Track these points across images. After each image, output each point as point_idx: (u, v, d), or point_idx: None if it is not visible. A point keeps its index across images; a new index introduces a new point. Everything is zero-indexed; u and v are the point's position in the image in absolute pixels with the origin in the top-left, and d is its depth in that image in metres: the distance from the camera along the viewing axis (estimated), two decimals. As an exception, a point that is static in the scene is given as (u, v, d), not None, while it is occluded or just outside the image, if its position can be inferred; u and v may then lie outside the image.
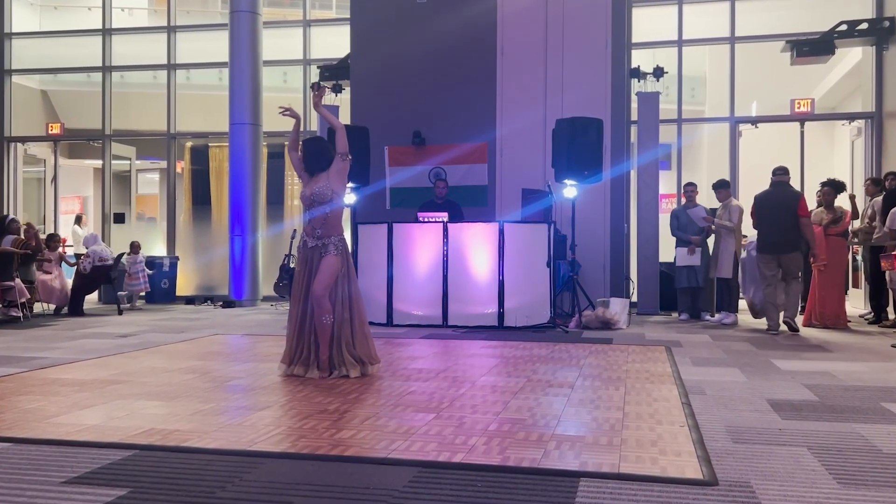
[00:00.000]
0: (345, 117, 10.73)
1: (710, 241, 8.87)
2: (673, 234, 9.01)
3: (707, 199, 9.97)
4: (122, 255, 10.33)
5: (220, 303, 11.04)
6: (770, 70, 12.60)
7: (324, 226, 4.79)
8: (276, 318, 9.17)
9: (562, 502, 2.45)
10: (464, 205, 9.11)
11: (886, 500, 2.50)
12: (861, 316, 9.11)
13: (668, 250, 10.58)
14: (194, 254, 12.49)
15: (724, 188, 8.74)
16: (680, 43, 11.06)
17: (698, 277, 8.80)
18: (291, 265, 11.38)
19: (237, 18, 11.13)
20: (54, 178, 13.61)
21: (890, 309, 8.29)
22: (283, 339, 6.91)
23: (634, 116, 10.37)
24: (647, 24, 11.50)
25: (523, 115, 9.59)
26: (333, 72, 11.27)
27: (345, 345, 4.77)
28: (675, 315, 9.41)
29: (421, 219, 8.14)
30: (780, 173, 7.77)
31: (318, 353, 4.77)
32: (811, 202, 8.64)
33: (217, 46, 12.23)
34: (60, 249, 10.25)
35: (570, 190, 8.39)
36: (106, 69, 13.15)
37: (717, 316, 8.74)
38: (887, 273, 7.53)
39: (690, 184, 9.18)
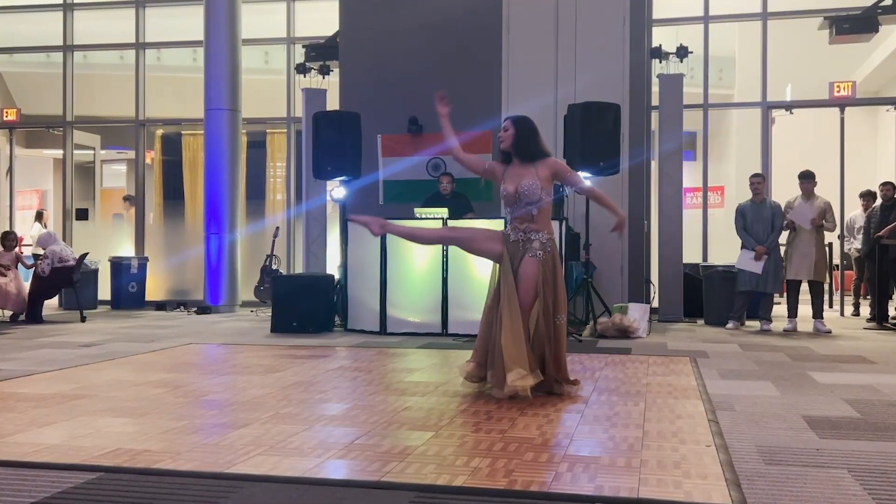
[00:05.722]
0: (333, 102, 10.74)
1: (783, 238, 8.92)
2: (738, 235, 8.90)
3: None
4: (85, 255, 10.33)
5: (195, 308, 11.05)
6: (806, 50, 12.61)
7: (532, 221, 4.75)
8: (257, 325, 9.17)
9: (575, 530, 2.45)
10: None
11: (936, 528, 2.50)
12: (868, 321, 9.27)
13: (692, 250, 10.61)
14: (166, 254, 12.48)
15: (808, 180, 8.73)
16: (706, 19, 11.06)
17: (766, 282, 8.67)
18: (274, 266, 11.40)
19: (213, -8, 11.14)
20: (9, 170, 13.61)
21: None
22: (266, 349, 6.96)
23: (655, 101, 10.37)
24: (669, -2, 11.51)
25: (532, 99, 9.56)
26: (320, 51, 11.27)
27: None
28: (700, 322, 9.43)
29: (418, 215, 8.15)
30: None
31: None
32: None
33: (191, 23, 12.22)
34: (17, 249, 10.26)
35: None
36: (67, 48, 13.15)
37: (787, 323, 8.68)
38: None
39: (757, 175, 9.06)
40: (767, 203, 8.87)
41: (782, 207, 8.84)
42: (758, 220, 8.77)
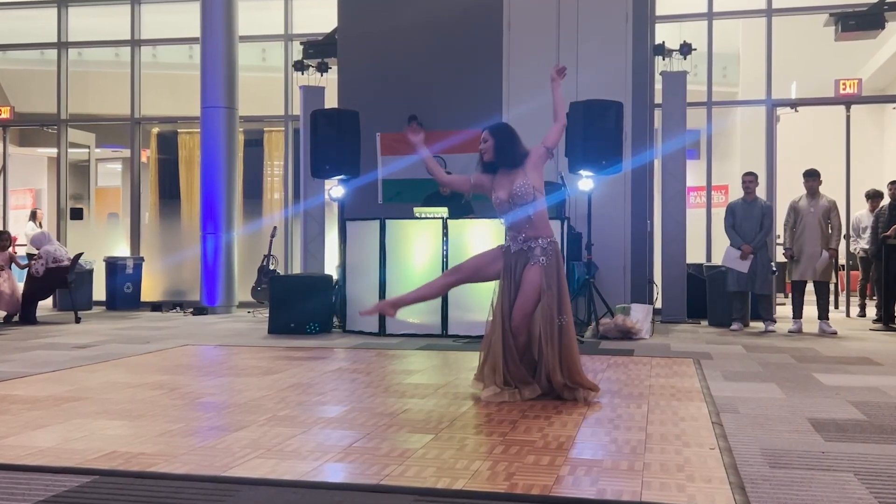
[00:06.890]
0: (332, 100, 10.74)
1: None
2: (726, 232, 8.94)
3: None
4: (80, 255, 10.33)
5: (191, 309, 11.05)
6: (811, 47, 12.60)
7: (529, 228, 4.74)
8: (254, 326, 9.17)
9: (577, 535, 2.45)
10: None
11: (943, 533, 2.50)
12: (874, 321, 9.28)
13: (696, 250, 10.61)
14: (161, 254, 12.49)
15: (813, 178, 8.74)
16: (710, 16, 11.05)
17: (752, 282, 8.70)
18: (271, 267, 11.40)
19: (210, -12, 11.13)
20: (3, 169, 13.61)
21: None
22: (263, 351, 6.96)
23: (658, 99, 10.37)
24: (672, -6, 11.52)
25: (533, 97, 9.55)
26: (319, 48, 11.27)
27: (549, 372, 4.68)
28: (703, 323, 9.44)
29: (417, 214, 8.15)
30: None
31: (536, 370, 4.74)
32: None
33: (187, 20, 12.23)
34: (11, 249, 10.25)
35: (585, 182, 8.39)
36: (62, 45, 13.15)
37: (792, 325, 8.69)
38: None
39: (749, 173, 9.09)
40: (758, 202, 8.90)
41: (788, 206, 8.85)
42: (747, 219, 8.81)
